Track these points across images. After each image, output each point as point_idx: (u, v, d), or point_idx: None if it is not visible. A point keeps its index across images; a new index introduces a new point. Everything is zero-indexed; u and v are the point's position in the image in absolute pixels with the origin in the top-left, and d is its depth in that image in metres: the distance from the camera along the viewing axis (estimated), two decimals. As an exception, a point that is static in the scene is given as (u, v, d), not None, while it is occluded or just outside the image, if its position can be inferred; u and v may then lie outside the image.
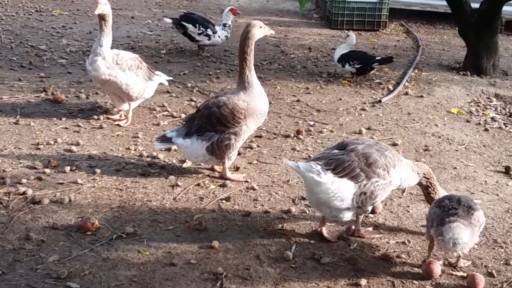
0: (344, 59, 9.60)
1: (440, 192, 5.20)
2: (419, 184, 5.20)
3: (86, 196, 5.52)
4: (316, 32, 13.52)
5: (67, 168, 6.00)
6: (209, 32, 10.39)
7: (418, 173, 5.14)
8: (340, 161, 4.82)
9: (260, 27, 5.85)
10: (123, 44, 11.03)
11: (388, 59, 9.64)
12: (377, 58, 9.67)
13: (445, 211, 4.56)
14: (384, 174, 4.88)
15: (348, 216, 5.02)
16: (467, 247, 4.47)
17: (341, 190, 4.78)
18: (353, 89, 9.39)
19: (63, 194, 5.51)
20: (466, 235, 4.39)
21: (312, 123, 7.79)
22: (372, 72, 9.88)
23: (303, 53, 11.55)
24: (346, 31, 10.29)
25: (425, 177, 5.16)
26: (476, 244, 5.01)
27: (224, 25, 10.52)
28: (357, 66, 9.52)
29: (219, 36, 10.44)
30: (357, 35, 13.07)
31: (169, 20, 10.61)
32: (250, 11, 15.41)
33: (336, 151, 4.98)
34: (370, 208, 5.04)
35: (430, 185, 5.18)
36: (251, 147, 6.87)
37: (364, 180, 4.83)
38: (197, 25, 10.33)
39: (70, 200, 5.40)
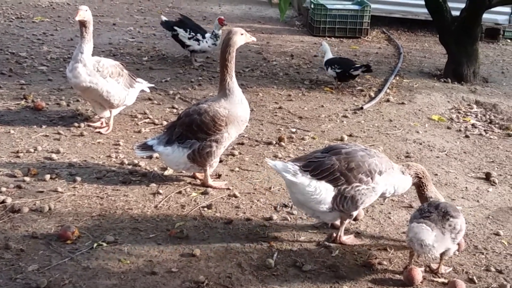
0: (329, 63, 9.78)
1: (432, 190, 5.17)
2: (413, 183, 5.21)
3: (66, 205, 5.48)
4: (298, 39, 13.55)
5: (47, 176, 5.95)
6: (199, 37, 10.41)
7: (410, 175, 5.13)
8: (318, 163, 4.87)
9: (242, 34, 5.84)
10: (104, 51, 10.98)
11: (366, 66, 9.64)
12: (356, 65, 9.71)
13: (421, 214, 4.65)
14: (367, 180, 4.89)
15: (330, 218, 5.07)
16: (436, 251, 4.50)
17: (318, 192, 4.82)
18: (335, 96, 9.42)
19: (43, 202, 5.46)
20: (429, 236, 4.42)
21: (294, 130, 7.79)
22: (354, 79, 9.91)
23: (285, 60, 11.58)
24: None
25: (418, 177, 5.14)
26: (457, 251, 5.04)
27: (213, 33, 10.53)
28: (337, 71, 9.62)
29: (206, 42, 10.43)
30: (339, 43, 13.20)
31: (164, 18, 10.77)
32: (232, 18, 15.41)
33: (319, 153, 5.03)
34: (354, 213, 5.04)
35: (422, 184, 5.16)
36: (233, 154, 6.86)
37: (344, 184, 4.85)
38: (188, 30, 10.39)
39: (50, 209, 5.34)
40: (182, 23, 10.58)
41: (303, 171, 4.83)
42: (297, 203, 5.08)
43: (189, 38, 10.40)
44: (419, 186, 5.18)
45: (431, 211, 4.63)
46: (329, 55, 9.96)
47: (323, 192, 4.82)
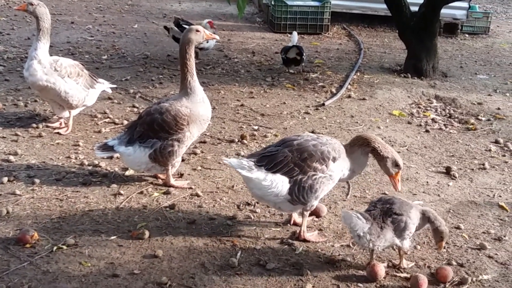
0: (282, 50, 10.72)
1: (388, 150, 5.02)
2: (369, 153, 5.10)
3: (25, 208, 5.36)
4: (259, 36, 13.54)
5: (5, 179, 5.82)
6: None
7: (357, 149, 5.06)
8: (272, 157, 4.93)
9: (197, 31, 5.78)
10: (62, 50, 10.81)
11: (298, 48, 10.27)
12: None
13: (367, 208, 4.77)
14: (322, 168, 4.92)
15: (291, 209, 5.13)
16: (373, 244, 4.54)
17: (274, 185, 4.88)
18: (296, 93, 9.43)
19: (0, 206, 5.33)
20: (360, 225, 4.49)
21: (256, 127, 7.77)
22: (298, 64, 10.50)
23: (246, 57, 11.55)
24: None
25: (365, 144, 5.04)
26: (419, 245, 5.08)
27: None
28: (282, 56, 10.44)
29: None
30: (300, 39, 13.19)
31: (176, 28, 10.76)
32: (192, 15, 15.33)
33: (272, 147, 5.09)
34: (315, 203, 5.06)
35: (374, 149, 5.02)
36: (195, 153, 6.81)
37: (300, 175, 4.89)
38: None
39: (8, 212, 5.22)
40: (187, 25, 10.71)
41: (257, 166, 4.89)
42: (256, 197, 5.13)
43: None
44: (373, 151, 5.05)
45: (376, 206, 4.70)
46: (287, 45, 10.71)
47: (279, 184, 4.88)
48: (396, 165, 5.05)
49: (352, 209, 5.70)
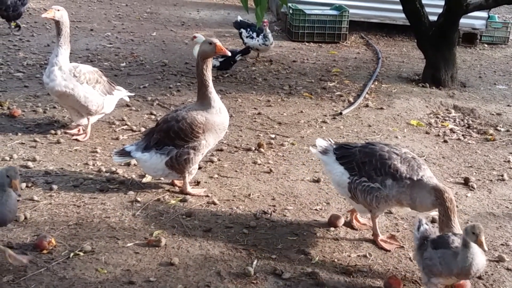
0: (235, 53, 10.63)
1: (455, 225, 4.57)
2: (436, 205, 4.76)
3: (43, 213, 5.39)
4: (277, 44, 13.51)
5: (23, 185, 5.85)
6: (254, 35, 11.62)
7: (430, 190, 4.74)
8: (345, 150, 5.27)
9: (210, 43, 5.76)
10: (81, 57, 10.88)
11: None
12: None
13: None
14: (376, 178, 4.99)
15: (360, 209, 5.31)
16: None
17: (337, 174, 5.29)
18: (314, 102, 9.41)
19: (18, 211, 5.34)
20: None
21: (273, 136, 7.76)
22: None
23: (264, 65, 11.55)
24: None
25: (439, 200, 4.65)
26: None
27: (263, 34, 11.65)
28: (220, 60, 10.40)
29: (258, 41, 11.56)
30: (318, 48, 13.19)
31: (240, 19, 12.49)
32: (211, 23, 15.38)
33: (358, 143, 5.44)
34: (377, 212, 5.18)
35: (444, 209, 4.62)
36: (212, 161, 6.81)
37: (356, 176, 5.10)
38: (247, 30, 11.81)
39: (25, 218, 5.26)
40: (246, 25, 12.01)
41: (334, 152, 5.35)
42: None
43: (246, 37, 11.74)
44: (440, 210, 4.66)
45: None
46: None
47: (338, 175, 5.28)
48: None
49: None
